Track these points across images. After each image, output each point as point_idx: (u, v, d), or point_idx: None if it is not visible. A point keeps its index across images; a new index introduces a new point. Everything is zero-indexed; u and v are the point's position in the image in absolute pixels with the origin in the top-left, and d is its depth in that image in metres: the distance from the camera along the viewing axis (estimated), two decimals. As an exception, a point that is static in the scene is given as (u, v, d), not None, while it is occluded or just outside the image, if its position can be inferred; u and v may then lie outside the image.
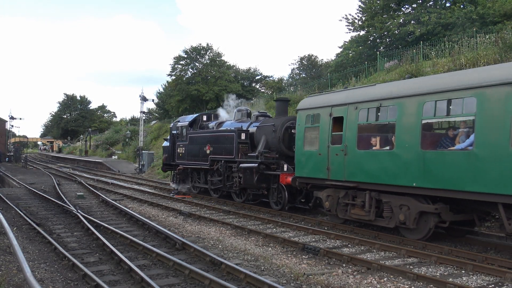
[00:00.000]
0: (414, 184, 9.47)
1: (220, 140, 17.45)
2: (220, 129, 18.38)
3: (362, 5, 36.18)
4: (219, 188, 17.89)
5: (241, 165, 15.55)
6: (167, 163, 22.08)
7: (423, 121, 9.39)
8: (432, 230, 9.73)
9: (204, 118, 20.25)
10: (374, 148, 10.76)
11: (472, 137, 8.58)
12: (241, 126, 17.00)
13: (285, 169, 14.32)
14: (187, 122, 20.34)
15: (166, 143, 22.89)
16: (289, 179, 13.74)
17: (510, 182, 7.77)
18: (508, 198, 7.89)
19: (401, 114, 9.84)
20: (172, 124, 22.77)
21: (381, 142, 10.61)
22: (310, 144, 12.54)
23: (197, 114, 21.18)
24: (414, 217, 9.73)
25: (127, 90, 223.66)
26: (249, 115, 18.33)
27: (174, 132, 21.23)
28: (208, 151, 18.01)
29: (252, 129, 16.69)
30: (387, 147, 10.33)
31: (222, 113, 20.43)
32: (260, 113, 17.87)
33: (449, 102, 9.08)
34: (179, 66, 58.09)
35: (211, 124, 19.45)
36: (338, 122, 11.54)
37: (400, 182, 9.84)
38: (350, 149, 11.02)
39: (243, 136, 16.44)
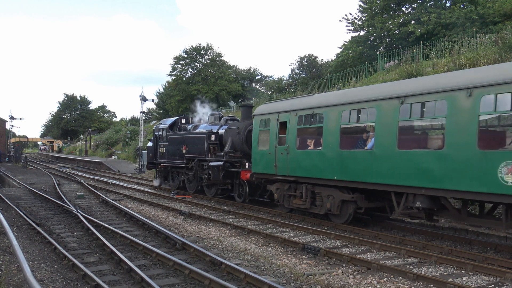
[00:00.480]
0: (335, 178, 11.55)
1: (194, 141, 19.34)
2: (194, 131, 20.40)
3: (362, 5, 36.17)
4: (194, 184, 19.96)
5: (210, 163, 17.57)
6: (150, 162, 24.25)
7: (341, 126, 11.52)
8: (351, 215, 11.77)
9: (183, 121, 22.59)
10: (309, 148, 12.99)
11: (373, 140, 10.71)
12: (212, 129, 19.06)
13: (247, 166, 16.14)
14: (167, 125, 22.55)
15: (150, 144, 25.11)
16: (248, 175, 15.72)
17: (397, 175, 9.92)
18: (396, 187, 10.07)
19: (327, 120, 11.90)
20: (155, 126, 25.23)
21: (314, 143, 12.72)
22: (263, 145, 14.64)
23: (177, 117, 23.43)
24: (338, 204, 11.78)
25: (127, 90, 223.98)
26: (220, 118, 20.29)
27: (157, 133, 23.34)
28: (184, 151, 19.93)
29: (221, 131, 18.52)
30: (318, 147, 12.34)
31: (197, 117, 23.03)
32: (229, 117, 20.18)
33: (358, 111, 11.14)
34: (179, 66, 58.13)
35: (189, 127, 21.59)
36: (283, 126, 13.59)
37: (326, 176, 11.90)
38: (291, 149, 13.09)
39: (212, 137, 18.42)
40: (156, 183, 23.55)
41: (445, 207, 9.59)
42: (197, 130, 20.13)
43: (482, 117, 8.53)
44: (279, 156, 13.60)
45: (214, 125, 19.58)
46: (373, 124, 10.73)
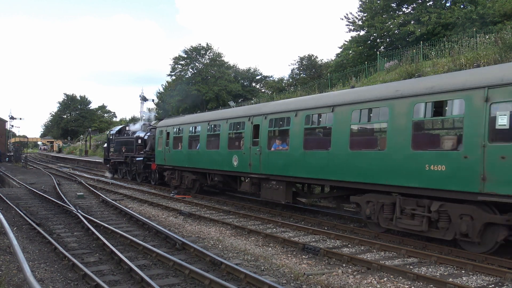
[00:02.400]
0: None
1: (128, 143, 27.82)
2: (129, 136, 28.66)
3: (362, 4, 36.15)
4: (129, 174, 27.86)
5: (136, 158, 25.83)
6: (105, 159, 32.71)
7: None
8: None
9: (127, 128, 30.73)
10: (179, 148, 17.72)
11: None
12: (139, 135, 27.00)
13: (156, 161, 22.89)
14: (116, 131, 31.38)
15: (105, 145, 33.73)
16: (154, 166, 23.04)
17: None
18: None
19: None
20: (108, 132, 34.51)
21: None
22: (159, 146, 21.78)
23: (123, 125, 32.90)
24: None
25: (127, 90, 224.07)
26: (148, 127, 27.88)
27: (110, 137, 31.81)
28: (123, 150, 28.13)
29: (146, 136, 26.32)
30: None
31: (134, 126, 30.50)
32: (152, 125, 27.72)
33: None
34: (179, 66, 58.09)
35: (129, 132, 29.29)
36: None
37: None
38: (170, 148, 16.51)
39: (139, 141, 26.42)
40: (108, 175, 31.20)
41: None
42: (131, 136, 27.99)
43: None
44: (166, 154, 20.85)
45: (144, 131, 27.28)
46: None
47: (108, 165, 31.44)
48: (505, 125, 8.00)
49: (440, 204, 9.09)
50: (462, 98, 8.72)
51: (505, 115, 8.01)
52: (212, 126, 17.26)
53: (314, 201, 16.50)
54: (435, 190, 9.05)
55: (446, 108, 9.53)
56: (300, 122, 12.72)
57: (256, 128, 14.63)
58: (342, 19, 50.37)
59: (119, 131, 30.56)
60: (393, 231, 10.92)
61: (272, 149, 13.96)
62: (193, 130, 18.74)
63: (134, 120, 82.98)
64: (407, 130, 9.59)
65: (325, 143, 12.10)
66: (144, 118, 32.87)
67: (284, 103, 14.47)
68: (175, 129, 20.17)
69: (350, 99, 11.29)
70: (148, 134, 25.93)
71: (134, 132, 28.31)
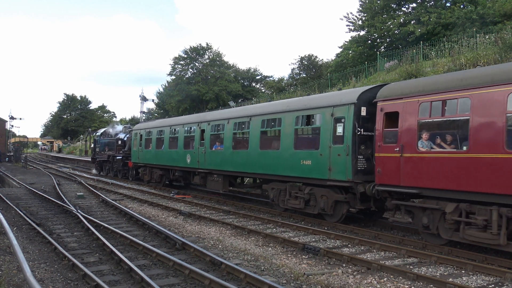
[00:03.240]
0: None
1: (110, 144, 31.82)
2: (111, 137, 32.40)
3: (363, 4, 36.15)
4: (112, 171, 31.01)
5: (116, 157, 29.27)
6: (92, 158, 36.63)
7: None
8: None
9: (110, 130, 33.90)
10: (146, 149, 23.03)
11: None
12: (120, 136, 30.34)
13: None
14: (100, 133, 35.36)
15: (92, 145, 38.26)
16: (131, 164, 26.56)
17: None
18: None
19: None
20: (93, 133, 39.03)
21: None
22: (134, 146, 25.77)
23: (106, 128, 36.14)
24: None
25: (127, 90, 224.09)
26: (129, 128, 30.84)
27: (96, 138, 35.59)
28: (106, 150, 32.25)
29: (126, 138, 29.40)
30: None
31: (116, 128, 33.97)
32: (131, 128, 30.15)
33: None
34: (179, 66, 58.07)
35: (112, 134, 32.79)
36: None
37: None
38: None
39: (119, 142, 29.60)
40: (94, 172, 34.64)
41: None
42: (114, 137, 31.70)
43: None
44: (139, 153, 24.71)
45: (125, 133, 30.22)
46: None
47: (95, 163, 35.15)
48: (340, 133, 11.57)
49: (310, 188, 12.63)
50: (320, 113, 12.35)
51: (340, 126, 11.57)
52: (173, 129, 21.06)
53: (248, 190, 20.23)
54: (306, 178, 12.67)
55: (313, 119, 12.81)
56: (230, 128, 16.41)
57: (203, 132, 18.40)
58: (342, 19, 50.39)
59: (102, 133, 34.71)
60: (393, 231, 10.90)
61: (213, 149, 17.50)
62: (159, 133, 22.43)
63: (134, 120, 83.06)
64: (291, 135, 13.19)
65: (246, 144, 15.58)
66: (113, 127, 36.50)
67: (220, 113, 19.09)
68: (146, 132, 23.93)
69: (260, 111, 15.16)
70: (128, 136, 29.21)
71: (116, 134, 31.81)
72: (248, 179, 18.74)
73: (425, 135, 9.51)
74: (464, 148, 8.75)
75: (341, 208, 11.92)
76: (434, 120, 9.61)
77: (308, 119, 12.86)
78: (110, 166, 31.10)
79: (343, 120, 11.47)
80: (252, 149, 14.90)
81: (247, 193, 19.19)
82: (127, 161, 27.52)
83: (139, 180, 26.08)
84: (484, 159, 8.29)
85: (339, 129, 11.54)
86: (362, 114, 11.26)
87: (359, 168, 11.18)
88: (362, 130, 11.21)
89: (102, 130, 35.69)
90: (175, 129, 20.82)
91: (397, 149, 9.89)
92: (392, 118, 10.23)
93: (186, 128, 19.92)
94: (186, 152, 19.53)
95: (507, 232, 8.20)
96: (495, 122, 8.17)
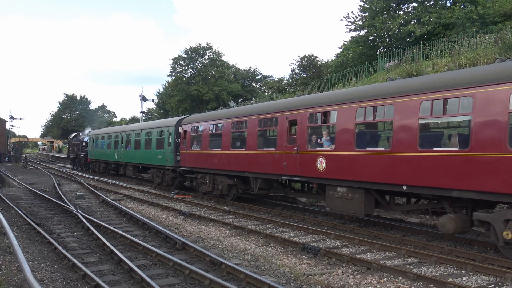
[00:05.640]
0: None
1: (78, 145, 40.35)
2: (79, 140, 40.56)
3: (363, 4, 36.12)
4: (79, 165, 39.65)
5: (80, 155, 38.49)
6: (67, 156, 46.63)
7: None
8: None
9: (80, 134, 42.64)
10: (128, 149, 27.85)
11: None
12: (84, 139, 38.91)
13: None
14: (72, 136, 44.20)
15: (67, 146, 48.40)
16: (89, 160, 35.63)
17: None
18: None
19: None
20: (69, 136, 47.94)
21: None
22: (91, 147, 36.04)
23: (77, 133, 45.29)
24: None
25: (127, 90, 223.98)
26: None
27: (73, 140, 42.94)
28: (76, 149, 40.73)
29: (86, 139, 38.11)
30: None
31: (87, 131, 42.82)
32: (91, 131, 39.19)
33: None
34: (179, 66, 58.03)
35: (80, 137, 41.16)
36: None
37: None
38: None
39: (83, 143, 38.51)
40: (69, 166, 42.71)
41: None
42: (81, 140, 40.17)
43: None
44: (92, 152, 34.48)
45: (88, 136, 37.60)
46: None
47: (69, 160, 44.46)
48: (171, 141, 21.48)
49: (163, 171, 22.93)
50: (164, 129, 22.76)
51: (170, 136, 21.76)
52: (108, 136, 31.29)
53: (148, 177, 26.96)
54: (160, 165, 22.92)
55: (162, 133, 22.84)
56: (129, 136, 27.32)
57: (122, 138, 28.22)
58: (342, 20, 50.31)
59: (74, 136, 43.76)
60: (393, 231, 10.87)
61: (127, 149, 27.37)
62: (102, 138, 32.67)
63: (134, 120, 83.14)
64: (155, 141, 23.44)
65: (138, 146, 25.76)
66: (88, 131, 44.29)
67: (126, 127, 30.10)
68: (95, 137, 34.41)
69: (134, 128, 27.63)
70: (87, 138, 38.32)
71: (83, 138, 40.08)
72: (140, 167, 27.51)
73: (195, 143, 19.20)
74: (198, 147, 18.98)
75: (174, 178, 22.03)
76: (197, 134, 19.15)
77: (161, 133, 22.89)
78: (78, 162, 40.12)
79: (171, 133, 21.60)
80: (138, 150, 25.77)
81: (247, 193, 19.15)
82: (87, 158, 36.64)
83: (94, 171, 34.76)
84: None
85: (170, 139, 21.61)
86: (178, 131, 20.96)
87: (177, 159, 20.71)
88: (178, 139, 20.88)
89: (74, 134, 45.05)
90: (109, 136, 30.92)
91: (185, 148, 19.83)
92: (184, 134, 20.24)
93: (115, 135, 29.89)
94: (114, 151, 29.65)
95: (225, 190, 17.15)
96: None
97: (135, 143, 25.86)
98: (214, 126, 17.90)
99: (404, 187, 9.82)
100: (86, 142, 37.46)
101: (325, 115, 12.26)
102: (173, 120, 22.57)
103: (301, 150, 12.68)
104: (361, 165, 10.73)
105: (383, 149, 10.74)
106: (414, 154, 9.54)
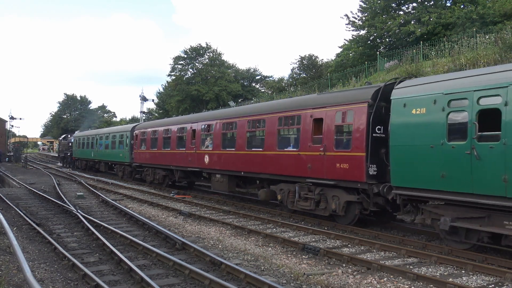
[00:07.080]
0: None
1: (65, 145, 45.60)
2: (66, 141, 45.81)
3: (363, 4, 36.12)
4: (67, 163, 44.49)
5: (68, 154, 43.63)
6: (58, 155, 52.82)
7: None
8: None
9: (69, 136, 46.08)
10: (101, 148, 33.59)
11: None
12: (71, 140, 43.11)
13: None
14: (62, 138, 49.94)
15: (57, 146, 54.80)
16: (74, 158, 40.99)
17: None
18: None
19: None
20: (59, 138, 54.90)
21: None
22: (75, 147, 41.21)
23: (66, 134, 49.57)
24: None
25: (127, 90, 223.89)
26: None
27: (62, 141, 48.52)
28: (64, 149, 46.01)
29: (72, 140, 42.48)
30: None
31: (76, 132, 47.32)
32: (78, 133, 43.27)
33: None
34: (179, 66, 58.03)
35: (68, 139, 45.40)
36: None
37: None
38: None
39: (70, 144, 43.05)
40: (60, 164, 47.97)
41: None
42: (68, 140, 45.12)
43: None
44: (76, 151, 39.85)
45: (73, 138, 42.10)
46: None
47: (59, 159, 49.95)
48: (127, 142, 28.02)
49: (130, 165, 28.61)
50: (124, 133, 28.64)
51: (127, 139, 28.00)
52: (87, 138, 36.28)
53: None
54: (121, 162, 29.29)
55: (121, 137, 29.12)
56: (102, 139, 32.44)
57: (97, 140, 33.42)
58: (342, 18, 50.21)
59: (64, 137, 48.62)
60: (393, 231, 10.88)
61: (100, 149, 32.43)
62: (83, 139, 37.53)
63: (134, 120, 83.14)
64: (118, 143, 29.25)
65: (114, 146, 29.83)
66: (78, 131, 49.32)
67: (107, 130, 34.52)
68: (78, 138, 39.27)
69: (110, 131, 32.61)
70: (72, 139, 43.04)
71: (71, 139, 43.88)
72: (110, 163, 32.60)
73: (143, 144, 24.44)
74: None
75: (131, 172, 27.29)
76: (144, 137, 24.54)
77: (122, 136, 28.44)
78: (66, 160, 44.73)
79: (128, 136, 27.25)
80: (107, 149, 31.19)
81: (247, 193, 19.24)
82: (72, 156, 41.56)
83: (78, 168, 39.50)
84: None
85: (127, 141, 27.27)
86: (133, 135, 26.11)
87: (132, 156, 25.98)
88: (132, 141, 26.27)
89: (63, 136, 50.35)
90: (88, 138, 36.09)
91: (136, 148, 25.10)
92: (137, 137, 25.30)
93: (91, 138, 35.27)
94: (90, 150, 35.16)
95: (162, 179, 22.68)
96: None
97: (105, 144, 31.76)
98: (153, 132, 23.49)
99: (242, 173, 15.67)
100: (72, 142, 42.86)
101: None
102: (129, 126, 29.20)
103: (198, 150, 18.61)
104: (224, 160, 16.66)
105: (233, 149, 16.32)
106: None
